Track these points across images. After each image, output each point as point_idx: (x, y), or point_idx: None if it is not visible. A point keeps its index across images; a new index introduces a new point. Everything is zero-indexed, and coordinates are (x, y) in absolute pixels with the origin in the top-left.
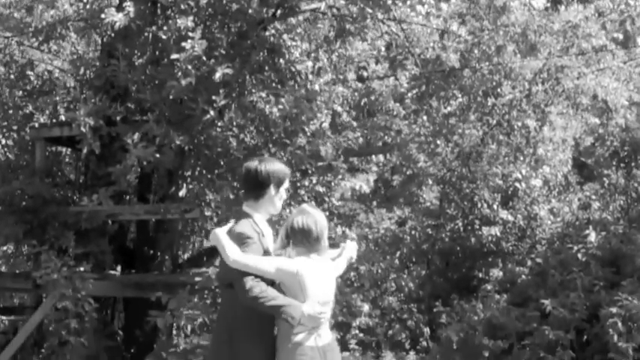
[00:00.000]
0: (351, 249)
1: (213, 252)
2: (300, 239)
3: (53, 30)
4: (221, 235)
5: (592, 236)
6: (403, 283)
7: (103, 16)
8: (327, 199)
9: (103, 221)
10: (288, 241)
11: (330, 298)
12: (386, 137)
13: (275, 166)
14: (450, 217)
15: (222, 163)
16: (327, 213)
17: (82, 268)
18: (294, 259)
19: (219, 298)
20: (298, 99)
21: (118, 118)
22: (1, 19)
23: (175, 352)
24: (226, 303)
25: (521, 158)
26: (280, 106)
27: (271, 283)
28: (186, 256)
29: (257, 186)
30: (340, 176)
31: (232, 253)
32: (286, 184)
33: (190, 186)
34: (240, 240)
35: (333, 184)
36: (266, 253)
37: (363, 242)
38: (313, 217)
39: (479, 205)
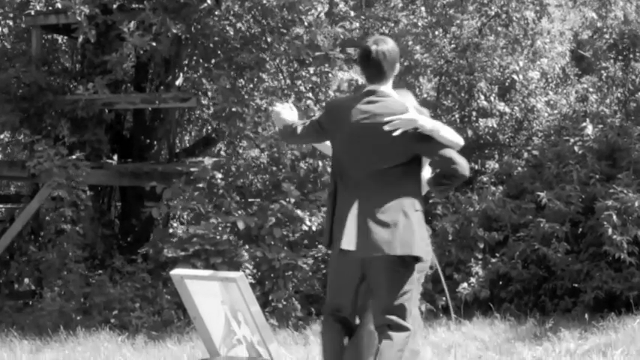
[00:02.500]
0: None
1: (210, 141)
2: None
3: None
4: (432, 121)
5: (589, 129)
6: None
7: None
8: (323, 89)
9: (99, 110)
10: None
11: None
12: (383, 28)
13: None
14: (446, 109)
15: (219, 52)
16: (324, 104)
17: (74, 156)
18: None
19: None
20: None
21: (115, 6)
22: None
23: (171, 241)
24: (400, 183)
25: (519, 50)
26: None
27: None
28: (182, 145)
29: (395, 65)
30: (337, 67)
31: (455, 134)
32: None
33: (187, 75)
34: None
35: (330, 74)
36: None
37: None
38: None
39: (476, 97)
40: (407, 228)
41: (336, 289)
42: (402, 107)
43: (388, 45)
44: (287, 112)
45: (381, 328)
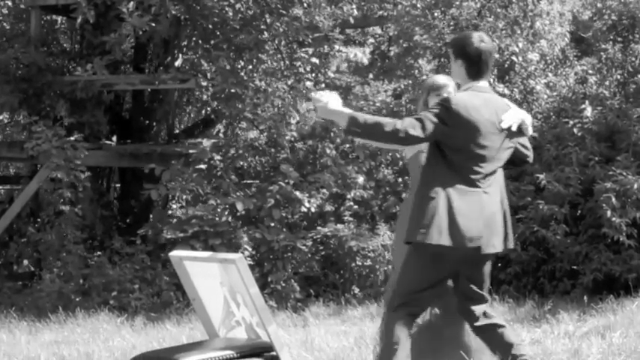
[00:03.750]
0: None
1: (209, 123)
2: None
3: None
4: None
5: (588, 111)
6: (398, 155)
7: None
8: (322, 70)
9: (98, 91)
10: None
11: None
12: (382, 12)
13: None
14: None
15: (218, 33)
16: (323, 85)
17: (72, 138)
18: None
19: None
20: None
21: None
22: None
23: (170, 223)
24: (500, 177)
25: (519, 32)
26: None
27: None
28: (182, 126)
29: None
30: (337, 47)
31: None
32: None
33: (186, 56)
34: None
35: (329, 55)
36: None
37: None
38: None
39: None
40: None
41: (428, 282)
42: (506, 103)
43: (492, 44)
44: (334, 101)
45: (480, 316)
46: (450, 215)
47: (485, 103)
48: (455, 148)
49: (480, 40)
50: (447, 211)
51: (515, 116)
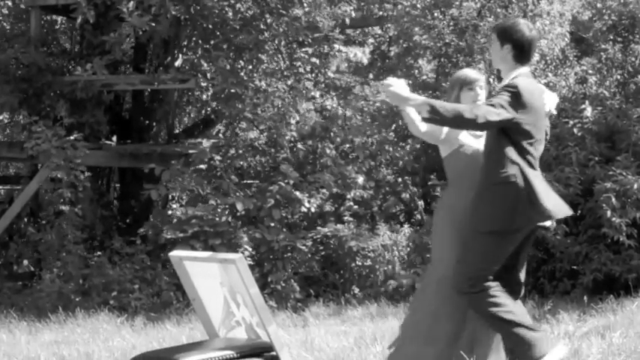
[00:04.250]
0: None
1: (209, 123)
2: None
3: None
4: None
5: (588, 111)
6: (398, 156)
7: None
8: (322, 70)
9: (98, 91)
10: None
11: None
12: (381, 12)
13: None
14: (445, 90)
15: (218, 33)
16: (323, 85)
17: (72, 137)
18: None
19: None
20: None
21: None
22: None
23: (170, 223)
24: None
25: None
26: None
27: None
28: (181, 126)
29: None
30: (337, 47)
31: None
32: None
33: (186, 56)
34: None
35: (329, 55)
36: None
37: (359, 115)
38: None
39: None
40: None
41: (502, 261)
42: (542, 87)
43: (537, 32)
44: (405, 88)
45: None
46: (534, 195)
47: (536, 89)
48: (520, 133)
49: (530, 28)
50: (532, 191)
51: (555, 100)
